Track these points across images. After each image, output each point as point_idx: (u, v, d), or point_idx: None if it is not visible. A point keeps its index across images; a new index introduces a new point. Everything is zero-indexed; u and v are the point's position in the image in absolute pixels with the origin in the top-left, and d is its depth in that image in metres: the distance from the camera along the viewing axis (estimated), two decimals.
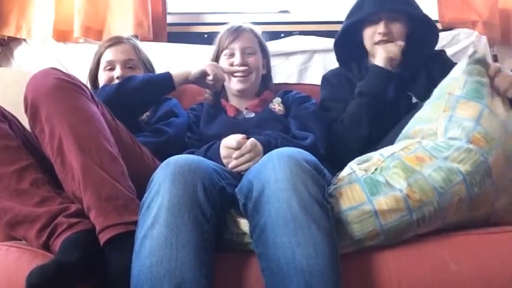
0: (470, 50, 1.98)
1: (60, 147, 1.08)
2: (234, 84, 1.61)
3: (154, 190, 1.01)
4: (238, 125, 1.52)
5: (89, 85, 1.66)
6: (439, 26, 2.07)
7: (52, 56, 2.02)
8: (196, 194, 1.00)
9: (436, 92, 1.28)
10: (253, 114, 1.60)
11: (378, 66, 1.49)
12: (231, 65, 1.60)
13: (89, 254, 0.98)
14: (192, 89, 1.75)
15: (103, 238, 1.00)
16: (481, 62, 1.26)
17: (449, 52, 1.87)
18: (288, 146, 1.20)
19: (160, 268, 0.91)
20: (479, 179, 1.09)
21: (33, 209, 1.06)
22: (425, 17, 1.57)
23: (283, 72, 1.99)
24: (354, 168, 1.15)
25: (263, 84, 1.68)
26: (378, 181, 1.09)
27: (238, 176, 1.21)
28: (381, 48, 1.52)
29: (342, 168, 1.19)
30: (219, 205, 1.05)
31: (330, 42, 1.72)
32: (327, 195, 1.05)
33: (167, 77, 1.49)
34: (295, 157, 1.04)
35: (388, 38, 1.53)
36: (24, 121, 1.19)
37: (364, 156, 1.21)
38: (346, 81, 1.62)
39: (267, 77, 1.70)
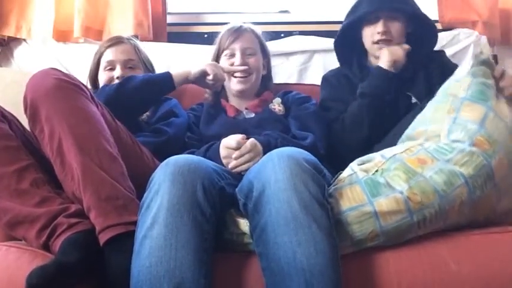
0: (471, 50, 2.00)
1: (59, 147, 1.08)
2: (234, 85, 1.61)
3: (153, 190, 1.01)
4: (238, 125, 1.52)
5: (89, 85, 1.66)
6: (439, 26, 2.07)
7: (52, 56, 2.02)
8: (195, 194, 1.00)
9: (440, 92, 1.27)
10: (253, 115, 1.60)
11: (381, 67, 1.49)
12: (232, 65, 1.60)
13: (88, 254, 0.98)
14: (192, 89, 1.75)
15: (103, 238, 1.00)
16: (486, 63, 1.24)
17: (449, 52, 1.87)
18: (288, 146, 1.20)
19: (159, 268, 0.91)
20: (481, 182, 1.09)
21: (33, 209, 1.06)
22: (424, 16, 1.57)
23: (283, 73, 1.99)
24: (355, 169, 1.14)
25: (263, 85, 1.67)
26: (378, 182, 1.08)
27: (238, 176, 1.21)
28: (386, 50, 1.51)
29: (341, 168, 1.19)
30: (218, 205, 1.05)
31: (330, 42, 1.72)
32: (327, 194, 1.05)
33: (167, 76, 1.49)
34: (295, 157, 1.04)
35: (387, 37, 1.53)
36: (24, 121, 1.18)
37: (365, 157, 1.21)
38: (346, 81, 1.62)
39: (267, 77, 1.70)
